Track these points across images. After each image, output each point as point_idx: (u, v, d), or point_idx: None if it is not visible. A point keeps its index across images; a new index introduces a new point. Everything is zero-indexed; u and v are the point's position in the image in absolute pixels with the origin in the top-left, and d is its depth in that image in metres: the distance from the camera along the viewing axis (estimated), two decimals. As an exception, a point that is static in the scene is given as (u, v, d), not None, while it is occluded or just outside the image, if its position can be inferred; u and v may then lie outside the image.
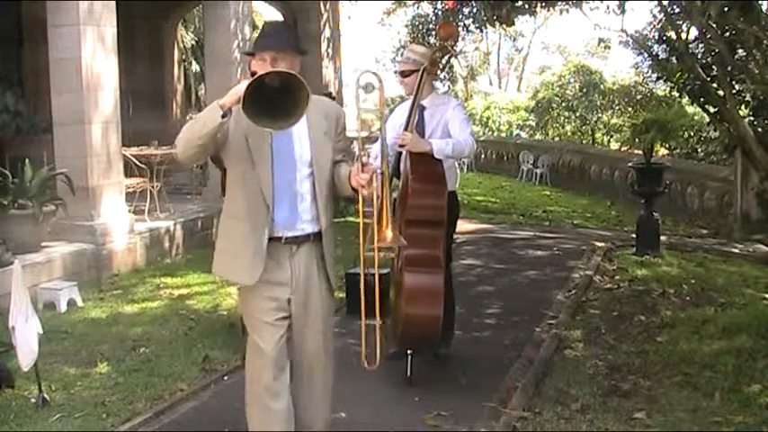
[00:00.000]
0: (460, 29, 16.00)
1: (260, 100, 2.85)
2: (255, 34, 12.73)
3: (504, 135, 26.22)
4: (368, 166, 3.18)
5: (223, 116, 2.93)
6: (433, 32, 16.70)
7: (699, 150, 16.54)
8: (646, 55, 12.71)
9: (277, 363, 3.21)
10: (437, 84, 21.94)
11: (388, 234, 3.48)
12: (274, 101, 2.89)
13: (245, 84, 2.89)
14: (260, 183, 3.13)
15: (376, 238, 3.44)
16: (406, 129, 4.63)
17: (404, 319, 4.42)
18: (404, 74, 4.81)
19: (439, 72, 4.97)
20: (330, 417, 3.53)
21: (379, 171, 3.29)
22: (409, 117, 4.67)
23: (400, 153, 4.73)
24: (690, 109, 16.03)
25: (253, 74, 3.28)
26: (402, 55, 4.97)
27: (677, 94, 12.35)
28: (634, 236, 9.18)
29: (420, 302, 4.42)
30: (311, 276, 3.27)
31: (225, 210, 3.34)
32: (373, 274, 5.07)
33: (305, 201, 3.21)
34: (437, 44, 4.84)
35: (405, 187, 4.61)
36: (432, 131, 4.77)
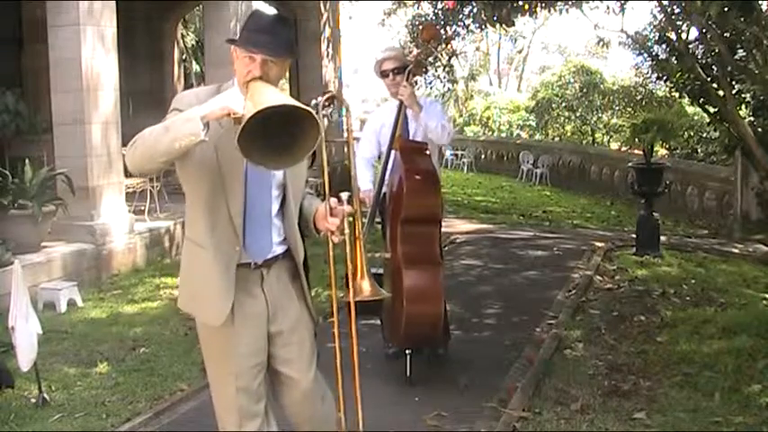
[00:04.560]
0: (461, 29, 16.01)
1: (256, 129, 2.29)
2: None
3: (504, 135, 26.24)
4: (336, 208, 2.71)
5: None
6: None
7: (699, 150, 16.55)
8: (646, 55, 12.70)
9: (252, 418, 2.77)
10: (437, 83, 22.07)
11: (365, 286, 2.96)
12: (274, 132, 2.35)
13: (232, 94, 2.48)
14: (229, 207, 2.65)
15: (351, 292, 2.94)
16: (394, 129, 4.75)
17: (405, 318, 4.42)
18: (395, 71, 4.85)
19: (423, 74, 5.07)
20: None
21: (348, 210, 2.79)
22: (398, 116, 4.77)
23: (390, 152, 4.79)
24: (690, 109, 16.07)
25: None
26: (384, 54, 4.97)
27: (677, 95, 12.35)
28: (634, 236, 9.18)
29: (421, 300, 4.44)
30: (290, 298, 2.85)
31: (187, 232, 2.81)
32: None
33: (275, 226, 2.78)
34: (421, 47, 4.93)
35: (398, 186, 4.63)
36: (415, 129, 4.88)
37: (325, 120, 3.20)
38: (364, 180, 5.01)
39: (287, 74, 14.61)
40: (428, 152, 4.75)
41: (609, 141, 23.64)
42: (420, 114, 4.74)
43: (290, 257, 2.86)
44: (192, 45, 18.68)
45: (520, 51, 37.29)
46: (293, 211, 2.81)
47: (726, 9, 5.26)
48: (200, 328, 2.82)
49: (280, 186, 2.76)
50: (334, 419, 3.09)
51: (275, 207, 2.77)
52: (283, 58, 2.64)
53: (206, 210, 2.67)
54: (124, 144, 8.16)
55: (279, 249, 2.80)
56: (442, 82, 22.00)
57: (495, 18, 7.24)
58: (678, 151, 16.17)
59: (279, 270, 2.83)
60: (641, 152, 9.24)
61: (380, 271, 5.16)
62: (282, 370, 2.87)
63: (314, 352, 2.99)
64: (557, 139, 24.48)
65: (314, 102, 4.90)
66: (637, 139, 9.11)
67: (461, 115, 29.86)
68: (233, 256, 2.69)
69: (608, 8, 10.71)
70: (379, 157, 5.19)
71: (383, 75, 4.92)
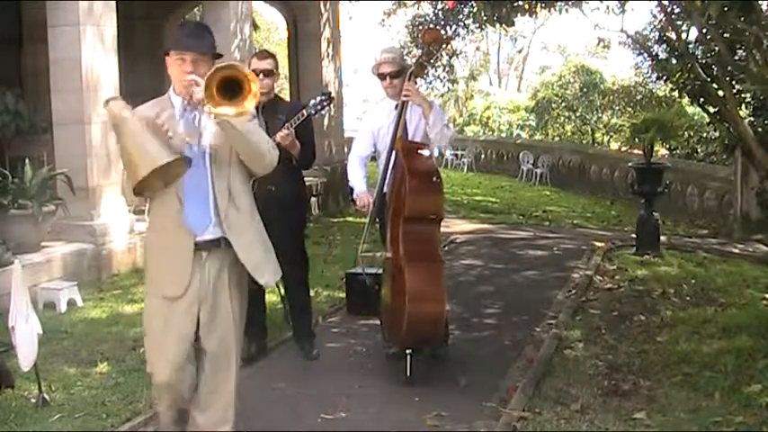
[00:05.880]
0: (461, 29, 16.02)
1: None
2: (256, 34, 12.67)
3: (504, 135, 26.25)
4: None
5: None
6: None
7: (699, 150, 16.55)
8: (646, 55, 12.71)
9: (175, 387, 3.30)
10: (438, 83, 22.07)
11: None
12: None
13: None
14: (176, 189, 3.11)
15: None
16: (396, 129, 4.76)
17: (407, 317, 4.42)
18: (392, 75, 4.85)
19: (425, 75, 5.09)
20: (232, 421, 3.46)
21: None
22: (399, 117, 4.77)
23: (391, 152, 4.79)
24: (690, 109, 16.07)
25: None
26: (382, 56, 4.94)
27: (677, 94, 12.35)
28: (634, 236, 9.18)
29: (423, 300, 4.45)
30: (222, 282, 3.24)
31: (148, 226, 3.37)
32: (369, 275, 5.02)
33: (210, 201, 3.16)
34: (423, 49, 4.94)
35: (399, 185, 4.64)
36: (415, 128, 4.88)
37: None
38: (358, 181, 5.00)
39: (287, 74, 14.62)
40: (429, 152, 4.76)
41: (609, 141, 23.67)
42: (430, 113, 4.73)
43: (230, 246, 3.18)
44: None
45: (520, 51, 37.30)
46: (227, 193, 3.16)
47: (726, 9, 5.26)
48: (151, 300, 3.29)
49: (209, 160, 3.15)
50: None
51: (210, 183, 3.15)
52: (209, 56, 3.15)
53: (159, 199, 3.16)
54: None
55: (218, 233, 3.17)
56: (442, 82, 22.01)
57: (495, 18, 7.25)
58: (678, 151, 16.17)
59: (221, 260, 3.21)
60: (641, 152, 9.24)
61: (380, 271, 5.16)
62: (202, 339, 3.31)
63: (235, 329, 3.36)
64: (557, 139, 24.49)
65: (312, 102, 4.93)
66: (637, 139, 9.11)
67: (461, 115, 29.87)
68: (182, 228, 3.12)
69: (608, 8, 10.73)
70: (374, 158, 5.18)
71: (380, 77, 4.93)
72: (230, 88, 2.91)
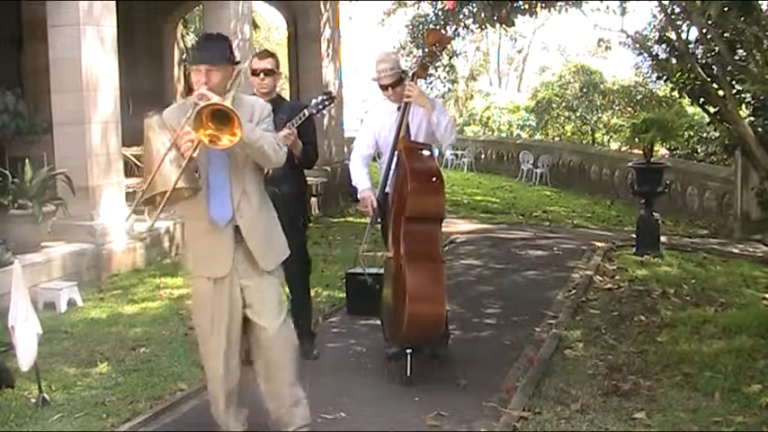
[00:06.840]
0: (461, 29, 16.03)
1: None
2: (256, 34, 12.72)
3: (504, 135, 26.25)
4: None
5: None
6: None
7: (699, 150, 16.56)
8: (646, 55, 12.71)
9: (228, 364, 3.62)
10: (438, 84, 22.07)
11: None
12: None
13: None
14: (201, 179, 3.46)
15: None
16: (398, 130, 4.76)
17: (407, 317, 4.43)
18: (393, 86, 4.86)
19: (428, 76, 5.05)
20: (296, 400, 3.67)
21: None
22: (402, 118, 4.77)
23: (393, 153, 4.79)
24: (690, 109, 16.07)
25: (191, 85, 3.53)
26: (379, 67, 4.92)
27: (677, 94, 12.35)
28: (634, 236, 9.19)
29: (424, 299, 4.46)
30: (253, 261, 3.55)
31: (184, 215, 3.73)
32: (370, 275, 5.01)
33: (229, 197, 3.49)
34: (425, 50, 4.94)
35: (401, 185, 4.64)
36: (417, 128, 4.89)
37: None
38: (362, 179, 5.00)
39: (287, 74, 14.62)
40: (431, 152, 4.77)
41: (609, 141, 23.66)
42: (433, 112, 4.73)
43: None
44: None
45: (520, 51, 37.30)
46: (242, 185, 3.48)
47: (726, 9, 5.26)
48: (198, 281, 3.62)
49: (227, 156, 3.45)
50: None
51: (228, 180, 3.48)
52: (220, 66, 3.40)
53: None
54: (124, 144, 8.19)
55: (236, 223, 3.50)
56: (442, 82, 22.01)
57: (494, 18, 7.24)
58: (678, 151, 16.17)
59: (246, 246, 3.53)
60: (641, 152, 9.25)
61: (381, 271, 5.16)
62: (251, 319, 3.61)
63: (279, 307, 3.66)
64: (557, 139, 24.49)
65: (314, 101, 4.93)
66: (637, 139, 9.12)
67: (461, 115, 29.87)
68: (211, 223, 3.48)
69: (608, 8, 10.75)
70: (375, 158, 5.18)
71: (382, 88, 4.93)
72: (222, 119, 3.21)
